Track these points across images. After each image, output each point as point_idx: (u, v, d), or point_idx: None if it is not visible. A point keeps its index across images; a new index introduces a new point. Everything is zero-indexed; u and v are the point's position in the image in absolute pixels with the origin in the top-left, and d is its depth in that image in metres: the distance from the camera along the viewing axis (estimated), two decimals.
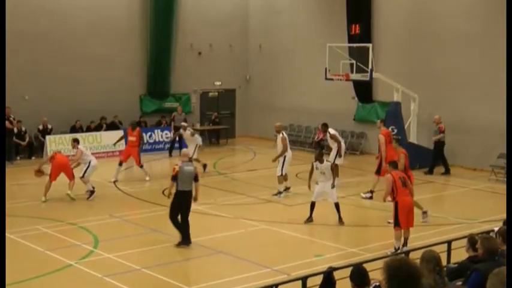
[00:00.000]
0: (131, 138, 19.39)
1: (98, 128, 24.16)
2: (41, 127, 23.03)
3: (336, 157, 17.75)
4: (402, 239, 12.40)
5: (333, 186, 14.46)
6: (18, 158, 22.38)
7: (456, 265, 7.63)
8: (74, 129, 23.65)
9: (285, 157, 17.20)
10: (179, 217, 12.72)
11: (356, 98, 24.83)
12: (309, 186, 14.91)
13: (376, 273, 5.75)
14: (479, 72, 20.95)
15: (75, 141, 17.20)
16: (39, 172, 16.57)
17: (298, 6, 26.81)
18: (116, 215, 15.26)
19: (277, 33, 27.42)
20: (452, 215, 15.27)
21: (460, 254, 8.39)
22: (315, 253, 12.47)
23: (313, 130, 24.61)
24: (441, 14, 21.97)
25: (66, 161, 16.66)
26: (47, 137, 22.47)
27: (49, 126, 23.11)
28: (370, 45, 21.34)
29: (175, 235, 12.82)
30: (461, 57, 21.34)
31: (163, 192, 16.10)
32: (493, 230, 8.91)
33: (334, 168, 14.78)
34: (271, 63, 27.66)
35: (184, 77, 26.74)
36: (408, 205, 12.41)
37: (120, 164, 19.15)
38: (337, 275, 8.09)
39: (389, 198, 12.71)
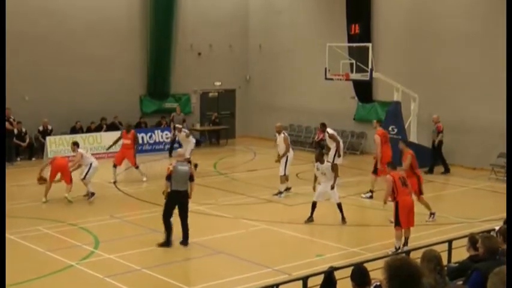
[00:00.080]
0: (126, 141, 19.23)
1: (98, 129, 24.17)
2: (41, 128, 23.03)
3: (335, 157, 17.75)
4: (403, 238, 12.41)
5: (332, 188, 14.46)
6: (18, 159, 22.38)
7: (457, 264, 7.63)
8: (74, 130, 23.65)
9: (287, 157, 17.22)
10: (172, 219, 12.73)
11: (356, 98, 24.84)
12: (314, 188, 14.92)
13: (377, 273, 5.74)
14: (479, 72, 20.96)
15: (75, 145, 17.07)
16: (41, 179, 16.51)
17: (298, 6, 26.81)
18: (116, 215, 15.27)
19: (277, 33, 27.43)
20: (452, 214, 15.27)
21: (461, 253, 8.39)
22: (316, 253, 12.48)
23: (313, 130, 24.61)
24: (441, 14, 21.98)
25: (65, 163, 16.55)
26: (47, 138, 22.47)
27: (49, 127, 23.11)
28: (370, 45, 21.35)
29: (176, 235, 12.81)
30: (461, 57, 21.34)
31: (163, 192, 16.06)
32: (493, 229, 8.91)
33: (335, 169, 14.76)
34: (271, 63, 27.66)
35: (184, 78, 26.75)
36: (409, 205, 12.42)
37: (115, 166, 19.02)
38: (338, 274, 8.10)
39: (389, 198, 12.72)
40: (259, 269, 11.51)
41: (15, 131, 22.23)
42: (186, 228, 12.78)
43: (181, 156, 13.46)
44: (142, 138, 24.47)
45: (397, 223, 12.33)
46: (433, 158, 20.61)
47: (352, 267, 6.47)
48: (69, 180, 16.28)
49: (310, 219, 14.57)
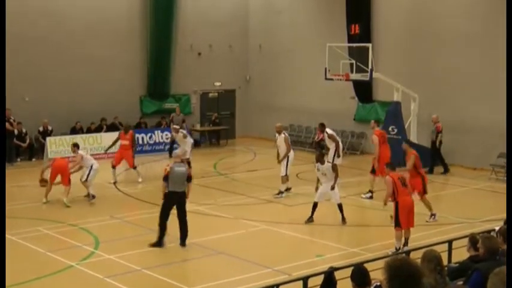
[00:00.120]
0: (124, 142, 19.13)
1: (98, 130, 24.16)
2: (41, 129, 23.02)
3: (334, 157, 17.76)
4: (403, 239, 12.41)
5: (332, 188, 14.46)
6: (18, 159, 22.38)
7: (457, 265, 7.62)
8: (74, 131, 23.65)
9: (288, 157, 17.23)
10: (168, 221, 12.73)
11: (356, 98, 24.84)
12: (316, 189, 14.94)
13: (377, 273, 5.74)
14: (479, 72, 20.96)
15: (75, 146, 17.01)
16: (43, 181, 16.50)
17: (298, 6, 26.82)
18: (116, 216, 15.27)
19: (277, 33, 27.43)
20: (453, 215, 15.27)
21: (461, 253, 8.39)
22: (316, 253, 12.48)
23: (313, 130, 24.59)
24: (441, 14, 21.98)
25: (64, 164, 16.45)
26: (48, 138, 22.47)
27: (49, 128, 23.10)
28: (370, 45, 21.35)
29: (176, 235, 12.82)
30: (461, 57, 21.35)
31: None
32: (494, 230, 8.90)
33: (336, 169, 14.76)
34: (271, 63, 27.67)
35: (184, 78, 26.75)
36: (409, 205, 12.41)
37: (113, 167, 18.95)
38: (338, 275, 8.10)
39: (389, 199, 12.71)
40: (259, 270, 11.51)
41: (16, 131, 22.24)
42: (185, 229, 12.77)
43: (179, 157, 13.45)
44: (143, 138, 24.49)
45: (397, 224, 12.33)
46: (432, 158, 20.61)
47: (352, 268, 6.47)
48: (67, 182, 16.16)
49: (310, 220, 14.57)
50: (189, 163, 19.37)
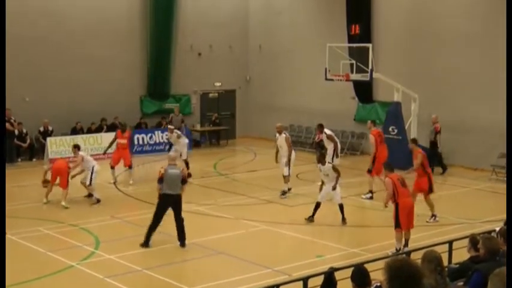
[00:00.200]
0: (122, 141, 19.02)
1: (98, 130, 24.16)
2: (41, 129, 23.03)
3: (333, 157, 17.78)
4: (403, 240, 12.40)
5: (334, 188, 14.47)
6: (19, 159, 22.40)
7: (457, 265, 7.62)
8: (74, 131, 23.66)
9: (289, 157, 17.26)
10: (161, 223, 12.79)
11: (356, 98, 24.84)
12: (320, 189, 14.98)
13: (377, 274, 5.75)
14: (479, 72, 20.97)
15: (76, 147, 16.91)
16: (46, 182, 16.49)
17: (298, 6, 26.82)
18: (116, 216, 15.28)
19: (277, 33, 27.43)
20: (453, 215, 15.27)
21: (462, 254, 8.39)
22: (316, 254, 12.48)
23: (314, 131, 24.56)
24: (441, 14, 21.99)
25: (64, 166, 16.34)
26: (48, 138, 22.47)
27: (50, 128, 23.11)
28: (370, 45, 21.35)
29: (176, 235, 12.82)
30: (461, 57, 21.35)
31: None
32: (494, 230, 8.90)
33: (337, 169, 14.77)
34: (271, 63, 27.67)
35: (185, 78, 26.76)
36: (409, 206, 12.41)
37: (112, 168, 18.84)
38: (338, 275, 8.10)
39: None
40: (259, 270, 11.52)
41: (16, 131, 22.25)
42: (183, 231, 12.75)
43: (173, 159, 13.40)
44: (143, 138, 24.50)
45: (397, 225, 12.33)
46: (431, 158, 20.60)
47: (352, 268, 6.48)
48: (66, 185, 16.09)
49: (310, 219, 14.58)
50: (187, 164, 19.41)
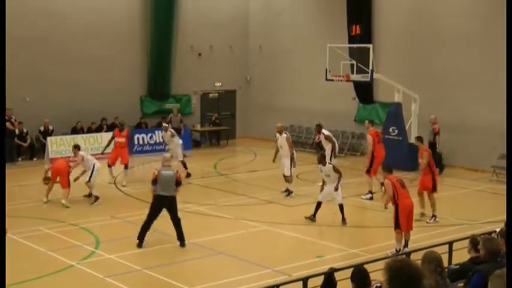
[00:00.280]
0: (120, 140, 18.95)
1: (98, 130, 24.18)
2: (42, 128, 23.05)
3: (331, 158, 17.79)
4: (403, 241, 12.40)
5: (336, 189, 14.47)
6: (19, 159, 22.41)
7: (458, 266, 7.62)
8: (75, 131, 23.68)
9: (291, 157, 17.26)
10: (154, 224, 12.80)
11: (357, 99, 24.83)
12: (321, 189, 14.98)
13: (377, 274, 5.75)
14: (479, 72, 20.97)
15: (76, 147, 16.91)
16: (46, 179, 16.51)
17: (298, 7, 26.82)
18: (117, 216, 15.28)
19: (278, 34, 27.43)
20: (453, 216, 15.27)
21: (462, 255, 8.39)
22: (316, 254, 12.48)
23: (314, 131, 24.56)
24: (441, 14, 21.99)
25: (63, 167, 16.33)
26: (48, 138, 22.50)
27: (50, 128, 23.12)
28: (370, 45, 21.36)
29: (173, 237, 12.81)
30: (461, 57, 21.35)
31: None
32: (494, 231, 8.90)
33: (338, 170, 14.76)
34: (272, 64, 27.67)
35: (185, 78, 26.76)
36: (408, 207, 12.40)
37: (109, 166, 18.80)
38: (338, 276, 8.09)
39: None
40: (259, 270, 11.52)
41: (17, 131, 22.27)
42: (181, 231, 12.73)
43: (168, 161, 13.33)
44: (143, 138, 24.52)
45: (397, 226, 12.32)
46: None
47: (352, 269, 6.48)
48: (66, 185, 16.12)
49: (312, 218, 14.58)
50: (184, 164, 19.38)
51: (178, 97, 26.98)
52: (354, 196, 17.29)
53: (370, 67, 20.83)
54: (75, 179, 16.49)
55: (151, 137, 24.66)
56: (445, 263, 7.63)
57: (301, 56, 26.30)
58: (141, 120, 25.77)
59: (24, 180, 19.07)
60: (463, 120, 21.29)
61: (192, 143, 26.02)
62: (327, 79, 21.95)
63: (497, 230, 8.42)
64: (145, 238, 12.89)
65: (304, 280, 8.41)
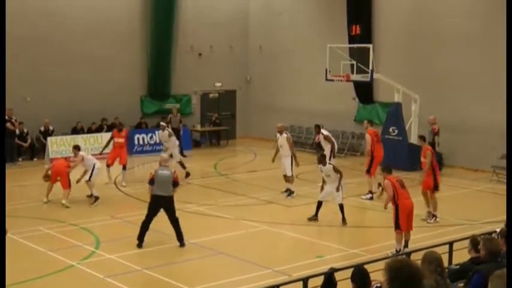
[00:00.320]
0: (119, 140, 18.93)
1: (99, 130, 24.18)
2: (42, 128, 23.05)
3: (330, 158, 17.79)
4: (403, 241, 12.40)
5: (337, 190, 14.47)
6: (20, 159, 22.42)
7: (458, 266, 7.62)
8: (75, 131, 23.69)
9: (291, 157, 17.26)
10: (151, 224, 12.77)
11: (357, 99, 24.83)
12: (321, 188, 14.98)
13: (377, 275, 5.75)
14: (479, 72, 20.97)
15: (76, 148, 16.91)
16: (46, 177, 16.52)
17: (298, 7, 26.82)
18: (117, 216, 15.29)
19: (278, 34, 27.43)
20: (453, 216, 15.27)
21: (462, 255, 8.39)
22: (316, 254, 12.48)
23: (314, 131, 24.57)
24: (441, 14, 21.99)
25: (63, 167, 16.32)
26: (49, 138, 22.51)
27: (50, 128, 23.13)
28: (370, 45, 21.36)
29: (173, 237, 12.81)
30: (461, 57, 21.35)
31: None
32: (495, 231, 8.90)
33: (338, 170, 14.77)
34: (272, 64, 27.67)
35: (185, 78, 26.76)
36: (408, 208, 12.39)
37: (108, 166, 18.74)
38: (338, 276, 8.09)
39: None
40: (259, 270, 11.52)
41: (17, 131, 22.28)
42: (180, 231, 12.74)
43: (165, 161, 13.32)
44: (143, 138, 24.53)
45: (397, 226, 12.32)
46: None
47: (352, 269, 6.48)
48: (67, 185, 16.11)
49: (314, 218, 14.59)
50: (182, 164, 19.35)
51: (179, 97, 26.98)
52: (354, 196, 17.28)
53: (370, 67, 20.84)
54: (77, 181, 16.50)
55: (151, 137, 24.66)
56: (446, 263, 7.63)
57: (301, 56, 26.30)
58: (141, 120, 25.77)
59: (24, 180, 19.08)
60: (463, 120, 21.29)
61: (192, 143, 26.03)
62: (327, 79, 21.96)
63: (498, 230, 8.43)
64: (145, 238, 12.88)
65: (305, 280, 8.41)
